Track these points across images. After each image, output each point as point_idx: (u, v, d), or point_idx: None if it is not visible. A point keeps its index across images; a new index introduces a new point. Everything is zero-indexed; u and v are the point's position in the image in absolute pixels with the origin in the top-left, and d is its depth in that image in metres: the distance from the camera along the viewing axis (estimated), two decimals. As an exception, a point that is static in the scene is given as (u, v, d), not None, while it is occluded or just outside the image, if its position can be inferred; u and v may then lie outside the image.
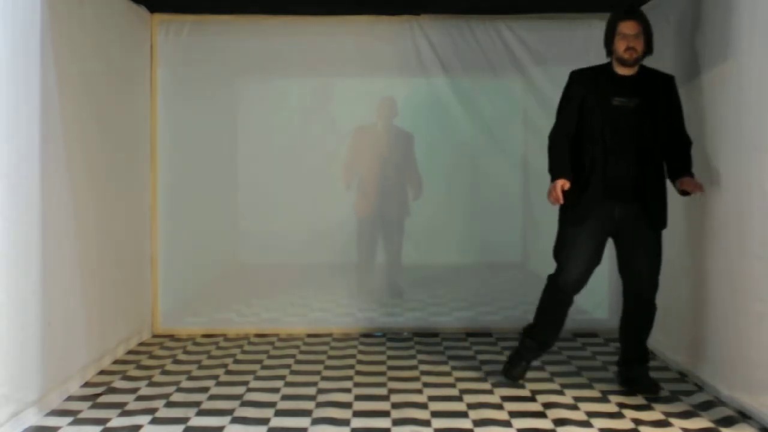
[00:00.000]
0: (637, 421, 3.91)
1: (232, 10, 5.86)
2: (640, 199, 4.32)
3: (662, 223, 4.38)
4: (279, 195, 6.06)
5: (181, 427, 3.84)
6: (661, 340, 5.18)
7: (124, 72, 5.36)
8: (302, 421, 3.91)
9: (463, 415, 4.02)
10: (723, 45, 4.23)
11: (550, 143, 4.49)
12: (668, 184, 4.44)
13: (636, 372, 4.47)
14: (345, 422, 3.90)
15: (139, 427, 3.84)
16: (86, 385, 4.55)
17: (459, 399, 4.29)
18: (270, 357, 5.28)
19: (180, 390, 4.47)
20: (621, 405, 4.17)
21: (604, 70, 4.45)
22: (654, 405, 4.18)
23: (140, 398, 4.32)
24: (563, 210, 4.44)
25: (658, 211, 4.35)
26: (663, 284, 5.14)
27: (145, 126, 5.81)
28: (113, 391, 4.46)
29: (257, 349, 5.49)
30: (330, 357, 5.26)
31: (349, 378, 4.73)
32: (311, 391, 4.46)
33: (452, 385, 4.57)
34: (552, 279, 4.50)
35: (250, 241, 6.15)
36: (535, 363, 5.02)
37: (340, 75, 6.10)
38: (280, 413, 4.06)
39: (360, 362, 5.12)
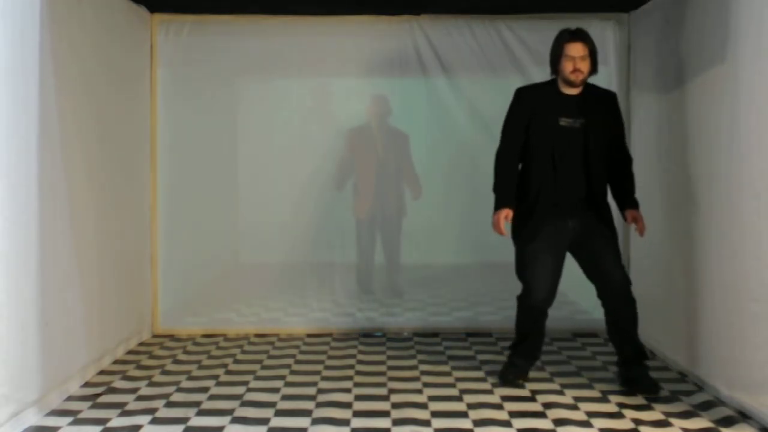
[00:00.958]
0: (637, 421, 3.91)
1: (232, 10, 5.86)
2: (592, 209, 4.46)
3: (610, 221, 4.52)
4: (279, 195, 6.06)
5: (181, 427, 3.84)
6: (660, 340, 5.19)
7: (124, 72, 5.36)
8: (302, 421, 3.91)
9: (463, 415, 4.02)
10: (721, 46, 4.24)
11: (496, 161, 4.57)
12: None
13: (635, 372, 4.48)
14: (345, 422, 3.90)
15: (139, 427, 3.84)
16: (86, 385, 4.55)
17: (459, 399, 4.29)
18: (270, 357, 5.28)
19: (180, 390, 4.47)
20: (621, 405, 4.18)
21: (550, 89, 4.54)
22: (654, 405, 4.18)
23: (140, 398, 4.32)
24: (516, 230, 4.54)
25: (611, 221, 4.51)
26: (662, 284, 5.16)
27: (145, 126, 5.81)
28: (113, 391, 4.46)
29: (257, 349, 5.49)
30: (330, 357, 5.26)
31: (349, 378, 4.73)
32: (311, 391, 4.46)
33: (452, 385, 4.57)
34: (522, 299, 4.58)
35: (250, 241, 6.15)
36: (536, 363, 5.03)
37: (340, 75, 6.10)
38: (280, 413, 4.06)
39: (360, 362, 5.12)
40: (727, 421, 3.90)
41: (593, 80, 4.55)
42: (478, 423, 3.88)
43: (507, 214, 4.46)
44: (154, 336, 5.90)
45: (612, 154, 4.54)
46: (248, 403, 4.23)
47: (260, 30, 5.98)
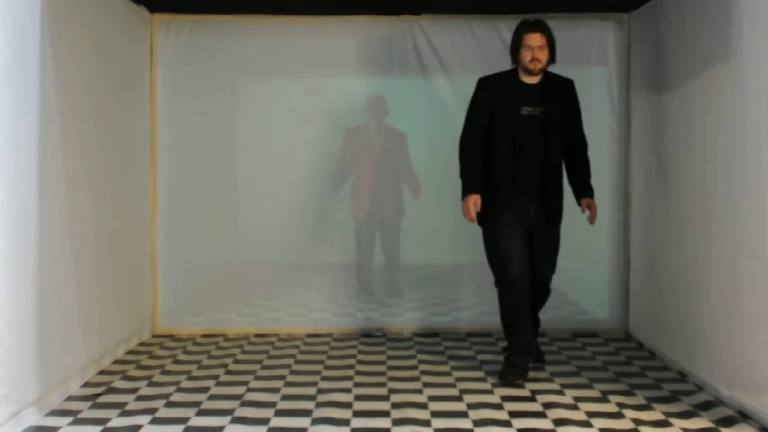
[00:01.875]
0: (637, 421, 3.91)
1: (232, 10, 5.86)
2: (545, 200, 4.66)
3: (560, 219, 4.75)
4: (279, 195, 6.06)
5: (181, 427, 3.84)
6: (661, 340, 5.19)
7: (124, 72, 5.36)
8: (302, 421, 3.91)
9: (463, 415, 4.02)
10: (722, 45, 4.24)
11: (461, 148, 4.73)
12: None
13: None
14: (345, 422, 3.90)
15: (139, 427, 3.84)
16: (86, 385, 4.55)
17: (459, 399, 4.29)
18: (270, 357, 5.28)
19: (180, 390, 4.47)
20: (621, 405, 4.17)
21: (510, 78, 4.70)
22: (654, 405, 4.18)
23: (140, 398, 4.32)
24: (481, 215, 4.69)
25: (556, 210, 4.71)
26: (662, 285, 5.16)
27: (145, 126, 5.81)
28: (113, 391, 4.46)
29: (257, 349, 5.49)
30: (330, 357, 5.26)
31: (349, 378, 4.73)
32: (311, 391, 4.46)
33: (452, 385, 4.57)
34: (499, 282, 4.69)
35: (250, 241, 6.15)
36: (532, 358, 5.04)
37: (340, 75, 6.10)
38: (280, 413, 4.06)
39: (360, 362, 5.12)
40: (727, 421, 3.90)
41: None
42: (478, 423, 3.88)
43: (475, 200, 4.62)
44: (154, 336, 5.90)
45: (569, 139, 4.75)
46: (248, 403, 4.23)
47: (260, 30, 5.98)
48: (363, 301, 6.16)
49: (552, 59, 4.65)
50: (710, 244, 4.38)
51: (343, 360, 5.16)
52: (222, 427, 3.83)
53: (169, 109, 5.92)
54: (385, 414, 4.04)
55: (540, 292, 4.85)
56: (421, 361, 5.13)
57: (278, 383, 4.61)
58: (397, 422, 3.89)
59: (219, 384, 4.60)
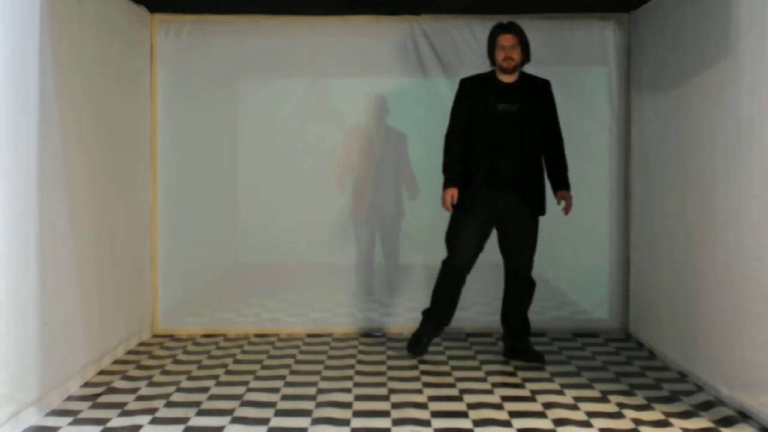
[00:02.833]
0: (637, 421, 3.91)
1: (232, 10, 5.86)
2: (521, 191, 4.92)
3: (540, 210, 5.01)
4: (279, 195, 6.05)
5: (181, 427, 3.84)
6: (661, 340, 5.19)
7: (124, 72, 5.36)
8: (302, 421, 3.91)
9: (463, 415, 4.02)
10: (722, 45, 4.24)
11: (444, 145, 5.09)
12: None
13: (523, 345, 5.09)
14: (345, 422, 3.90)
15: (139, 427, 3.84)
16: (86, 385, 4.55)
17: (459, 399, 4.30)
18: (270, 357, 5.28)
19: (180, 390, 4.47)
20: (621, 405, 4.17)
21: (489, 79, 5.05)
22: (654, 405, 4.18)
23: (140, 398, 4.32)
24: (457, 205, 5.01)
25: (537, 201, 4.97)
26: (662, 285, 5.16)
27: (145, 126, 5.81)
28: (113, 391, 4.46)
29: (257, 349, 5.49)
30: (330, 357, 5.26)
31: (349, 378, 4.73)
32: (311, 391, 4.46)
33: (452, 385, 4.57)
34: (446, 263, 5.11)
35: (250, 241, 6.14)
36: (535, 363, 5.04)
37: (340, 75, 6.10)
38: (280, 413, 4.06)
39: (360, 362, 5.12)
40: (727, 421, 3.90)
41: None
42: (478, 423, 3.88)
43: (453, 192, 4.97)
44: (154, 336, 5.90)
45: (546, 135, 5.02)
46: (248, 403, 4.23)
47: (260, 30, 5.98)
48: (363, 301, 6.16)
49: (526, 59, 4.98)
50: (710, 244, 4.38)
51: (343, 360, 5.16)
52: (222, 427, 3.83)
53: (169, 109, 5.92)
54: (385, 414, 4.04)
55: (521, 284, 5.06)
56: (421, 361, 5.13)
57: (278, 383, 4.61)
58: (397, 422, 3.89)
59: (219, 384, 4.60)
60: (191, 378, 4.73)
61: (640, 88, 5.69)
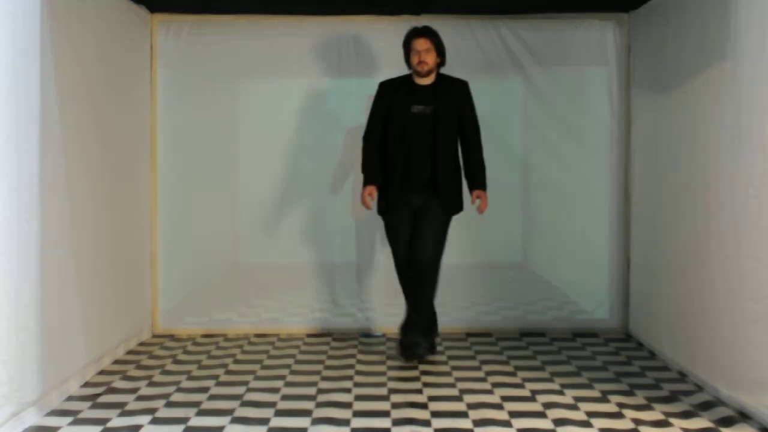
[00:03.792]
0: (637, 421, 3.91)
1: (232, 10, 5.86)
2: (434, 189, 5.04)
3: (453, 208, 5.13)
4: (279, 195, 6.05)
5: (181, 427, 3.84)
6: (661, 340, 5.19)
7: (124, 72, 5.36)
8: (302, 421, 3.91)
9: (463, 415, 4.02)
10: (721, 46, 4.24)
11: (363, 145, 5.23)
12: None
13: (410, 338, 5.01)
14: (345, 422, 3.90)
15: (139, 427, 3.84)
16: (86, 385, 4.55)
17: (459, 399, 4.30)
18: (270, 357, 5.28)
19: (180, 390, 4.47)
20: (621, 405, 4.17)
21: (406, 81, 5.17)
22: (654, 405, 4.18)
23: (140, 398, 4.32)
24: (378, 203, 5.21)
25: (448, 200, 5.09)
26: (662, 284, 5.16)
27: (145, 126, 5.81)
28: (113, 391, 4.46)
29: (257, 349, 5.49)
30: (330, 357, 5.26)
31: (349, 378, 4.73)
32: (311, 391, 4.46)
33: (452, 385, 4.57)
34: (395, 264, 5.26)
35: (250, 241, 6.14)
36: (535, 363, 5.04)
37: (340, 75, 6.09)
38: (280, 413, 4.06)
39: (360, 362, 5.13)
40: (727, 421, 3.90)
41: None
42: (478, 423, 3.88)
43: (370, 190, 5.11)
44: (154, 336, 5.90)
45: (462, 138, 5.13)
46: (248, 403, 4.23)
47: (260, 30, 5.98)
48: (363, 301, 6.16)
49: (441, 62, 5.12)
50: (710, 244, 4.38)
51: (343, 360, 5.16)
52: (222, 427, 3.83)
53: (169, 109, 5.93)
54: (385, 414, 4.04)
55: (422, 269, 5.05)
56: (421, 361, 5.12)
57: (278, 383, 4.61)
58: (397, 422, 3.89)
59: (219, 384, 4.60)
60: (191, 378, 4.73)
61: (640, 88, 5.69)
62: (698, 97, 4.59)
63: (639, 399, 4.29)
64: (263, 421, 3.92)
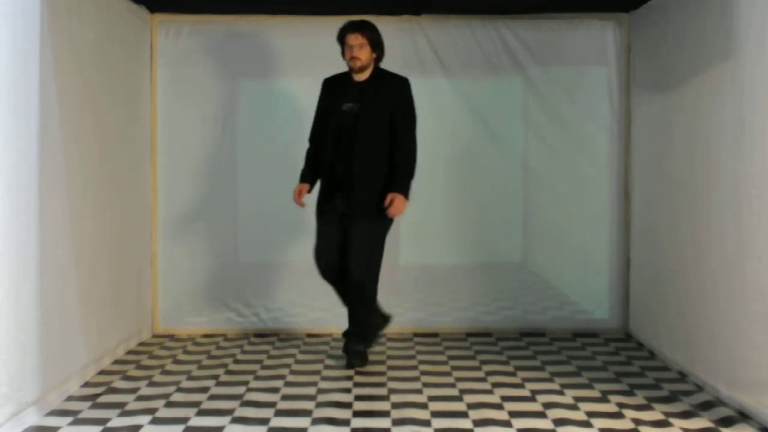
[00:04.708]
0: (637, 421, 3.91)
1: (232, 10, 5.86)
2: (351, 191, 4.88)
3: (367, 212, 4.87)
4: (279, 195, 6.03)
5: (181, 427, 3.84)
6: (661, 340, 5.19)
7: (124, 72, 5.36)
8: (302, 421, 3.91)
9: (463, 415, 4.02)
10: (722, 44, 4.24)
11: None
12: None
13: (350, 344, 4.98)
14: (345, 422, 3.90)
15: (139, 427, 3.84)
16: (86, 385, 4.55)
17: (459, 399, 4.29)
18: (270, 357, 5.28)
19: (180, 390, 4.47)
20: (621, 405, 4.17)
21: (344, 77, 5.04)
22: (654, 405, 4.18)
23: (140, 398, 4.32)
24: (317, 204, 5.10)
25: (362, 204, 4.87)
26: (662, 284, 5.16)
27: (145, 126, 5.81)
28: (113, 391, 4.46)
29: (257, 349, 5.49)
30: (330, 357, 5.26)
31: (349, 378, 4.73)
32: (311, 391, 4.46)
33: (452, 385, 4.57)
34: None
35: (250, 241, 6.14)
36: (535, 363, 5.04)
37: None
38: (280, 413, 4.06)
39: (360, 362, 5.13)
40: (727, 421, 3.90)
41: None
42: (478, 423, 3.88)
43: (301, 188, 5.06)
44: (154, 336, 5.90)
45: (391, 138, 4.91)
46: (248, 403, 4.23)
47: (260, 30, 5.97)
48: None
49: (378, 57, 4.95)
50: (710, 244, 4.38)
51: (343, 360, 5.16)
52: (222, 427, 3.83)
53: (169, 109, 5.93)
54: (385, 414, 4.04)
55: (351, 286, 4.94)
56: (421, 361, 5.13)
57: (278, 383, 4.61)
58: (397, 422, 3.89)
59: (219, 384, 4.60)
60: (191, 378, 4.73)
61: (640, 88, 5.69)
62: (698, 97, 4.59)
63: (639, 399, 4.29)
64: (263, 421, 3.92)
